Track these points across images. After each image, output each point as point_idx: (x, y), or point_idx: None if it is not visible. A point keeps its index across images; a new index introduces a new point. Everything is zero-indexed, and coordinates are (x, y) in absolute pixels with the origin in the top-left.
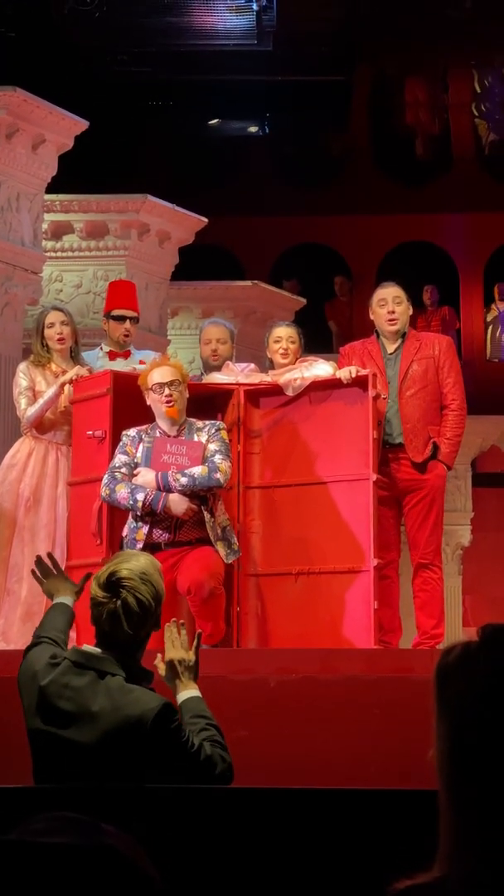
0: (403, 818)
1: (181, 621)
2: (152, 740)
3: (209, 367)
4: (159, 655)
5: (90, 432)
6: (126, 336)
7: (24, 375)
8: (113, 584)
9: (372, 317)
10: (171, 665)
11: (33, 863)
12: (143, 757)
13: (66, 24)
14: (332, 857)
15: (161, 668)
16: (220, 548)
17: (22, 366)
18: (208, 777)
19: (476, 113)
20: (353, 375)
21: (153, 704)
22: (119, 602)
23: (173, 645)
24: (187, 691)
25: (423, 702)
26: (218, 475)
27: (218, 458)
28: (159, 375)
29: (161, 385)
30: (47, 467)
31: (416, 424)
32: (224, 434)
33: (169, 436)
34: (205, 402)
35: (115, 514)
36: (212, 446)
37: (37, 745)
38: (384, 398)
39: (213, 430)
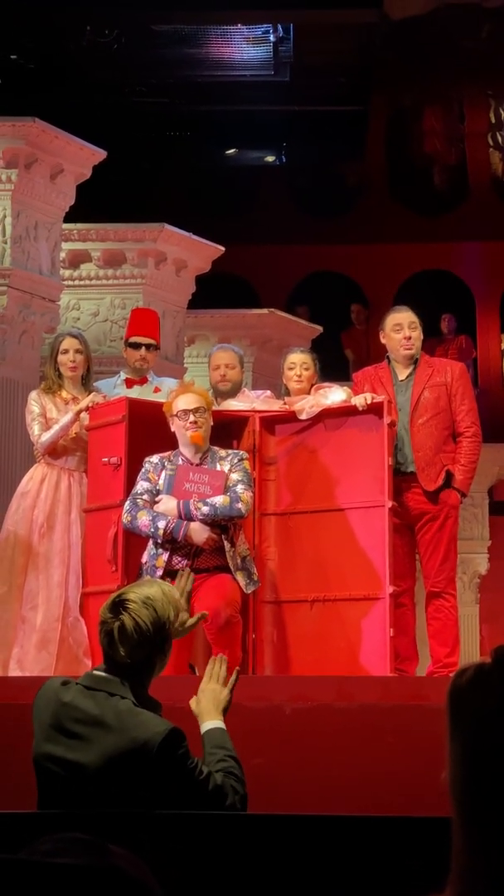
0: (418, 845)
1: (224, 657)
2: (158, 765)
3: (218, 393)
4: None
5: (106, 459)
6: (142, 363)
7: (35, 403)
8: (116, 606)
9: (384, 341)
10: (202, 694)
11: (41, 883)
12: (147, 782)
13: (85, 56)
14: (346, 884)
15: (193, 703)
16: (240, 578)
17: (33, 394)
18: (217, 808)
19: (491, 143)
20: (369, 402)
21: (161, 728)
22: (117, 623)
23: (210, 678)
24: (212, 721)
25: (439, 730)
26: (240, 505)
27: (240, 487)
28: (184, 402)
29: (186, 412)
30: (60, 493)
31: (428, 453)
32: (247, 464)
33: (192, 463)
34: (221, 428)
35: (131, 541)
36: (234, 476)
37: (42, 770)
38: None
39: (235, 460)
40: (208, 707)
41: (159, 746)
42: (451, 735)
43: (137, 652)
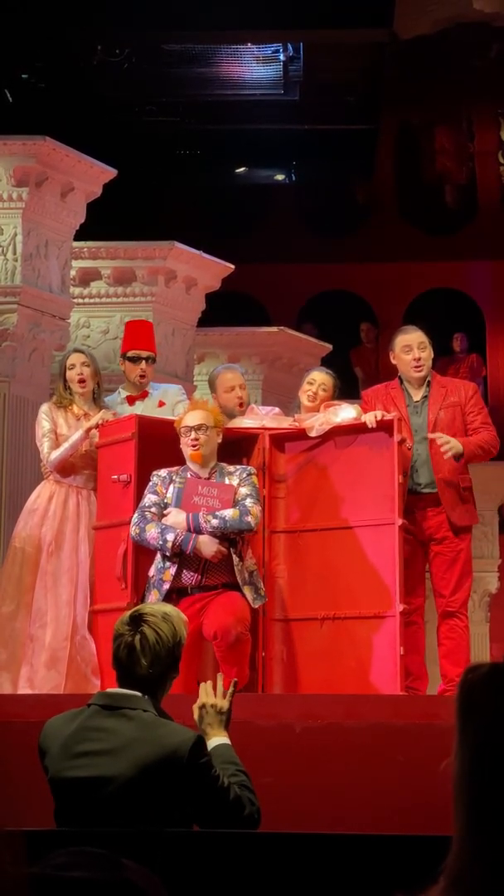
0: (428, 864)
1: (219, 674)
2: (188, 770)
3: (234, 414)
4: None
5: (115, 476)
6: (142, 377)
7: (46, 417)
8: (136, 619)
9: (394, 361)
10: (202, 710)
11: None
12: (177, 788)
13: (96, 75)
14: None
15: (195, 714)
16: (247, 592)
17: (44, 407)
18: (236, 817)
19: (501, 161)
20: (379, 420)
21: (189, 735)
22: (138, 635)
23: (207, 693)
24: (217, 738)
25: (450, 749)
26: (249, 518)
27: (249, 501)
28: (190, 419)
29: (189, 428)
30: (68, 511)
31: (447, 475)
32: (255, 479)
33: (200, 478)
34: (230, 446)
35: (140, 558)
36: (243, 490)
37: (63, 790)
38: (409, 447)
39: (244, 475)
40: (212, 723)
41: (190, 752)
42: (459, 731)
43: (157, 664)
